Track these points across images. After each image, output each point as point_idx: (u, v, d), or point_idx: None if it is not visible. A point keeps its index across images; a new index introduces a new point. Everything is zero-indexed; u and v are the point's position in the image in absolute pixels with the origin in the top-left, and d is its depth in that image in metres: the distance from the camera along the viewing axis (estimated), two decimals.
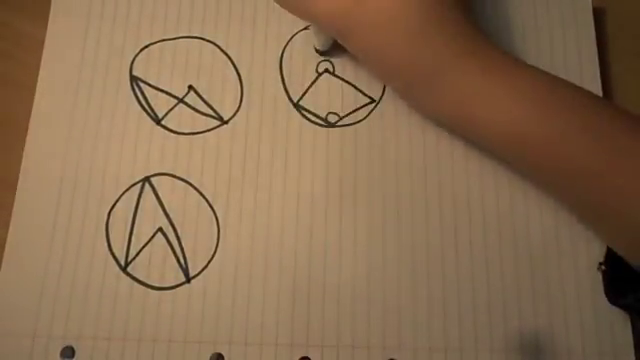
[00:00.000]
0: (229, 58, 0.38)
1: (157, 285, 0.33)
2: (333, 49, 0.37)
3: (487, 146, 0.33)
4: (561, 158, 0.30)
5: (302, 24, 0.38)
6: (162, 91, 0.37)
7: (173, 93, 0.37)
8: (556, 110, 0.30)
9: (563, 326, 0.33)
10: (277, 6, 0.38)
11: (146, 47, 0.38)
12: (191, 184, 0.35)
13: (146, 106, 0.36)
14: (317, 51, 0.37)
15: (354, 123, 0.37)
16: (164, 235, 0.34)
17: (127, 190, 0.35)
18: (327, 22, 0.32)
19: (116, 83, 0.37)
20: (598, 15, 0.40)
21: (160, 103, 0.37)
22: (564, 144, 0.29)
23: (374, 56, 0.32)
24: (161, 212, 0.35)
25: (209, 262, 0.34)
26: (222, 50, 0.38)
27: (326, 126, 0.36)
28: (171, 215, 0.35)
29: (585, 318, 0.33)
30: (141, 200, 0.35)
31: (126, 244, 0.34)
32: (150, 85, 0.37)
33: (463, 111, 0.31)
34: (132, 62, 0.37)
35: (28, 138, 0.35)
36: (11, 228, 0.34)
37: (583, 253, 0.34)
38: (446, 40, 0.31)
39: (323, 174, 0.35)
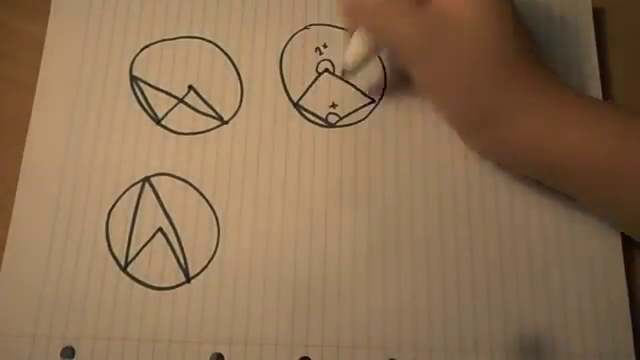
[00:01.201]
0: (229, 58, 0.38)
1: (157, 285, 0.33)
2: (358, 70, 0.35)
3: (561, 182, 0.32)
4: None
5: (302, 24, 0.38)
6: (162, 91, 0.37)
7: (173, 93, 0.37)
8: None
9: (563, 326, 0.33)
10: (277, 6, 0.38)
11: (146, 47, 0.38)
12: (191, 184, 0.35)
13: (146, 106, 0.37)
14: (343, 73, 0.36)
15: (354, 123, 0.37)
16: (164, 235, 0.34)
17: (127, 190, 0.35)
18: (406, 45, 0.31)
19: (116, 83, 0.37)
20: (598, 15, 0.40)
21: (160, 103, 0.37)
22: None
23: (449, 91, 0.32)
24: (161, 212, 0.35)
25: (209, 262, 0.34)
26: (222, 50, 0.38)
27: (326, 126, 0.36)
28: (171, 215, 0.35)
29: (585, 318, 0.33)
30: (141, 200, 0.35)
31: (126, 244, 0.34)
32: (150, 85, 0.37)
33: (542, 152, 0.31)
34: (132, 62, 0.37)
35: (28, 138, 0.35)
36: (11, 228, 0.34)
37: (583, 253, 0.34)
38: (531, 76, 0.31)
39: (323, 174, 0.35)
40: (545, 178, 0.33)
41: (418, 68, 0.32)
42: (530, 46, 0.32)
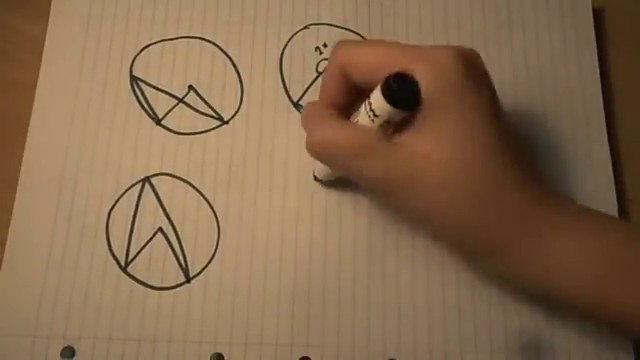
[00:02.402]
0: (229, 58, 0.38)
1: (157, 285, 0.33)
2: (330, 180, 0.35)
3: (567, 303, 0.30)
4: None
5: (302, 24, 0.38)
6: (162, 91, 0.37)
7: (173, 93, 0.37)
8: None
9: (563, 326, 0.33)
10: (277, 6, 0.38)
11: (146, 47, 0.38)
12: (191, 184, 0.35)
13: (146, 106, 0.36)
14: (315, 178, 0.35)
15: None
16: (164, 235, 0.34)
17: (127, 190, 0.35)
18: (375, 187, 0.30)
19: (116, 83, 0.37)
20: (598, 15, 0.40)
21: (160, 103, 0.37)
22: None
23: (432, 222, 0.30)
24: (161, 212, 0.35)
25: (209, 262, 0.34)
26: (222, 50, 0.38)
27: None
28: (171, 215, 0.35)
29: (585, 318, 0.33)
30: (141, 200, 0.35)
31: (126, 244, 0.34)
32: (150, 85, 0.37)
33: (550, 279, 0.29)
34: (132, 62, 0.37)
35: (28, 138, 0.35)
36: (11, 228, 0.34)
37: None
38: (517, 200, 0.28)
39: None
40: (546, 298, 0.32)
41: (391, 203, 0.32)
42: (518, 173, 0.29)
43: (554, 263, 0.28)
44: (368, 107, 0.28)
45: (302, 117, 0.34)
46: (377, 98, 0.27)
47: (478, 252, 0.30)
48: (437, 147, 0.28)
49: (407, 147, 0.28)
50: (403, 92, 0.27)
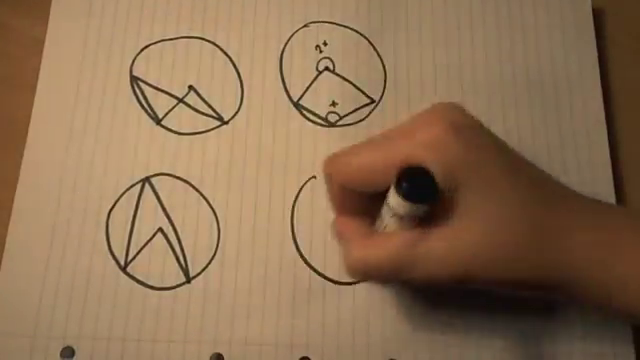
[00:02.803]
0: (229, 58, 0.38)
1: (157, 285, 0.33)
2: None
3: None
4: None
5: (302, 22, 0.38)
6: (162, 91, 0.37)
7: (173, 93, 0.37)
8: None
9: (563, 326, 0.33)
10: (277, 5, 0.39)
11: (146, 47, 0.38)
12: (191, 184, 0.35)
13: (146, 106, 0.36)
14: None
15: (354, 123, 0.37)
16: (164, 235, 0.34)
17: (127, 190, 0.35)
18: (440, 283, 0.28)
19: (116, 83, 0.37)
20: (598, 15, 0.40)
21: (160, 103, 0.37)
22: None
23: (490, 284, 0.28)
24: (161, 212, 0.35)
25: (209, 262, 0.34)
26: (222, 50, 0.38)
27: (326, 126, 0.36)
28: (171, 215, 0.35)
29: (585, 318, 0.33)
30: (141, 200, 0.35)
31: (126, 244, 0.34)
32: (150, 85, 0.37)
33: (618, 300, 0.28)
34: (132, 62, 0.37)
35: (28, 138, 0.35)
36: (11, 228, 0.34)
37: None
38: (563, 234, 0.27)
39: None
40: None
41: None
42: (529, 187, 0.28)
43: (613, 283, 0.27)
44: (391, 212, 0.26)
45: (335, 235, 0.31)
46: (395, 200, 0.26)
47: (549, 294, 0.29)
48: (470, 235, 0.27)
49: (443, 244, 0.27)
50: (417, 184, 0.25)
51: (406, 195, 0.25)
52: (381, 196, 0.27)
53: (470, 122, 0.28)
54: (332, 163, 0.29)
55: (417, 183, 0.25)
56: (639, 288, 0.27)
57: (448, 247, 0.27)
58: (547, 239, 0.27)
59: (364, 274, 0.29)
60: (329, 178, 0.30)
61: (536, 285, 0.28)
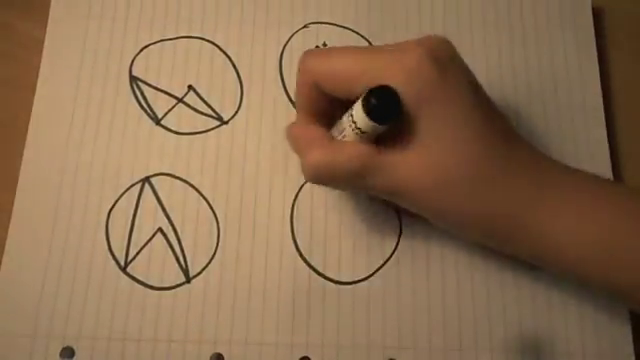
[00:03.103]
0: (229, 58, 0.38)
1: (157, 285, 0.33)
2: None
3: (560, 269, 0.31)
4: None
5: (301, 23, 0.38)
6: (162, 91, 0.37)
7: (173, 93, 0.37)
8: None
9: (563, 326, 0.33)
10: (276, 5, 0.39)
11: (146, 47, 0.38)
12: (191, 184, 0.35)
13: (146, 106, 0.36)
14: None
15: None
16: (164, 235, 0.34)
17: (127, 190, 0.35)
18: (380, 196, 0.31)
19: (116, 83, 0.37)
20: (598, 15, 0.40)
21: (160, 103, 0.37)
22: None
23: (445, 216, 0.30)
24: (161, 212, 0.35)
25: (209, 262, 0.34)
26: (222, 50, 0.38)
27: None
28: (171, 215, 0.35)
29: (585, 318, 0.33)
30: (141, 200, 0.35)
31: (126, 244, 0.34)
32: (150, 85, 0.37)
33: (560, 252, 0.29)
34: (132, 62, 0.37)
35: (28, 138, 0.35)
36: (11, 228, 0.34)
37: None
38: (521, 179, 0.29)
39: None
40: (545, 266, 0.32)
41: (402, 205, 0.31)
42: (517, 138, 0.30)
43: (562, 233, 0.29)
44: (353, 125, 0.28)
45: (289, 140, 0.32)
46: (360, 116, 0.27)
47: (495, 238, 0.31)
48: (427, 152, 0.28)
49: (401, 158, 0.29)
50: (385, 107, 0.27)
51: (371, 114, 0.27)
52: (341, 104, 0.29)
53: (451, 56, 0.29)
54: (311, 59, 0.30)
55: (382, 103, 0.27)
56: (554, 244, 0.29)
57: (402, 164, 0.29)
58: (495, 177, 0.29)
59: (326, 177, 0.30)
60: (302, 74, 0.30)
61: (485, 220, 0.29)
